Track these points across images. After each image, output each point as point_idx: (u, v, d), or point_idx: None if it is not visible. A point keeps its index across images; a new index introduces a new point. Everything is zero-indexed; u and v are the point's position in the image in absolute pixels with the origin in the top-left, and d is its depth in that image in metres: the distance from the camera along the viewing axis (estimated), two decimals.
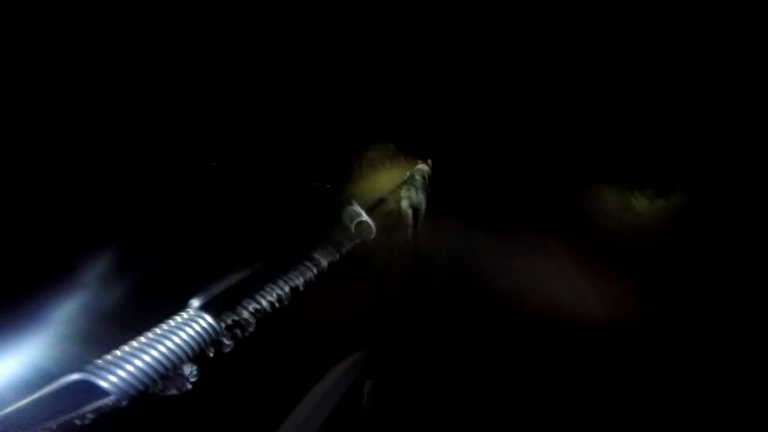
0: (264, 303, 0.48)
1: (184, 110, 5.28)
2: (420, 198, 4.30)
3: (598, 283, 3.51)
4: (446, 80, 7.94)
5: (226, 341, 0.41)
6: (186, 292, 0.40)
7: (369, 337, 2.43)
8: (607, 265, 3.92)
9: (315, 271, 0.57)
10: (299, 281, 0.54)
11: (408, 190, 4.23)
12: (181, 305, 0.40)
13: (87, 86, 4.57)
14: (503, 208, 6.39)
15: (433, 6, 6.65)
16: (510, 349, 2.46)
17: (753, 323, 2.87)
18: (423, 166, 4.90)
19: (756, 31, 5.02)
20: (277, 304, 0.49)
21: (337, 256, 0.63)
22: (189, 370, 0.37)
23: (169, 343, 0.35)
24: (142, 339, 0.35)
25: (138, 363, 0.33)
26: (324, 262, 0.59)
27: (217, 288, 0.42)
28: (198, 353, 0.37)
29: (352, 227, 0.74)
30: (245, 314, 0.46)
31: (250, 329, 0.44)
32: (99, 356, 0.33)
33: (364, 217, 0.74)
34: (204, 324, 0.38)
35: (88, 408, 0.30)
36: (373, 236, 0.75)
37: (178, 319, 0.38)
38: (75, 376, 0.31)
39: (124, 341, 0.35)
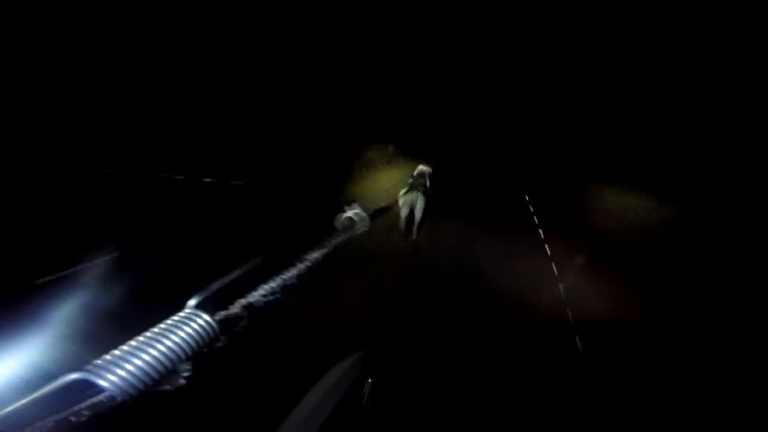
0: (260, 299, 0.49)
1: (183, 112, 5.28)
2: (420, 199, 4.29)
3: (598, 283, 3.51)
4: (446, 81, 7.94)
5: (222, 337, 0.42)
6: (184, 292, 0.40)
7: (369, 337, 2.43)
8: (607, 265, 3.92)
9: (310, 263, 0.57)
10: (293, 274, 0.54)
11: (408, 191, 4.23)
12: (180, 305, 0.40)
13: (86, 88, 4.58)
14: (503, 208, 6.38)
15: (433, 6, 6.65)
16: (510, 349, 2.46)
17: (753, 323, 2.87)
18: (424, 168, 4.90)
19: (756, 31, 5.02)
20: (272, 298, 0.50)
21: (333, 248, 0.64)
22: (183, 366, 0.38)
23: (167, 342, 0.35)
24: (141, 338, 0.35)
25: (137, 362, 0.33)
26: (318, 256, 0.60)
27: (214, 286, 0.43)
28: (196, 351, 0.37)
29: (349, 220, 0.75)
30: (240, 310, 0.46)
31: (243, 323, 0.45)
32: (98, 356, 0.33)
33: (359, 209, 0.74)
34: (201, 322, 0.38)
35: (84, 405, 0.30)
36: (368, 228, 0.75)
37: (176, 318, 0.38)
38: (74, 376, 0.31)
39: (124, 341, 0.35)
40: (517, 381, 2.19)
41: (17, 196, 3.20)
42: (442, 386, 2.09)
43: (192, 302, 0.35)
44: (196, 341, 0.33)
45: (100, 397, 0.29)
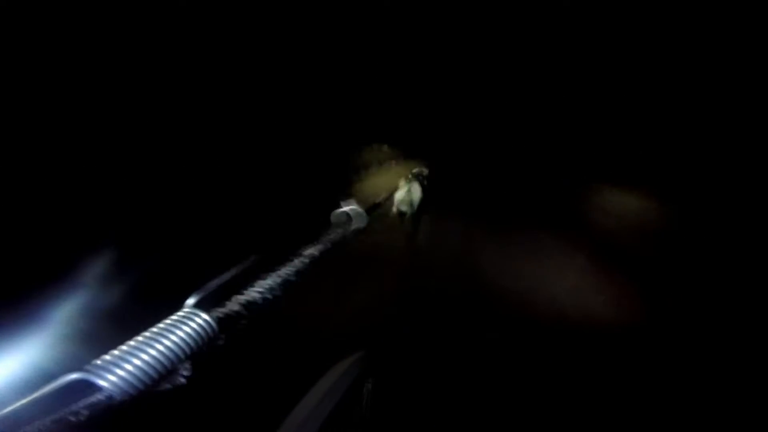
0: (257, 295, 0.49)
1: (182, 110, 5.28)
2: (418, 199, 4.30)
3: (599, 283, 3.51)
4: (445, 80, 7.94)
5: (222, 336, 0.42)
6: (184, 292, 0.40)
7: (369, 337, 2.43)
8: (607, 265, 3.92)
9: (308, 261, 0.57)
10: (292, 271, 0.54)
11: (406, 191, 4.23)
12: (180, 304, 0.40)
13: (85, 86, 4.58)
14: (503, 208, 6.38)
15: (432, 6, 6.65)
16: (510, 349, 2.46)
17: (753, 323, 2.87)
18: (421, 168, 4.91)
19: (756, 31, 5.02)
20: (270, 296, 0.50)
21: (330, 245, 0.64)
22: (183, 366, 0.38)
23: (166, 341, 0.35)
24: (140, 338, 0.35)
25: (136, 362, 0.33)
26: (316, 253, 0.60)
27: (213, 285, 0.43)
28: (195, 350, 0.37)
29: (345, 216, 0.75)
30: (240, 308, 0.46)
31: (243, 322, 0.45)
32: (98, 356, 0.33)
33: (356, 205, 0.74)
34: (200, 321, 0.38)
35: (83, 404, 0.30)
36: (365, 223, 0.75)
37: (174, 317, 0.38)
38: (74, 376, 0.31)
39: (123, 341, 0.35)
40: (518, 381, 2.19)
41: (17, 196, 3.20)
42: (442, 386, 2.10)
43: (190, 301, 0.35)
44: (195, 340, 0.34)
45: (100, 396, 0.29)
